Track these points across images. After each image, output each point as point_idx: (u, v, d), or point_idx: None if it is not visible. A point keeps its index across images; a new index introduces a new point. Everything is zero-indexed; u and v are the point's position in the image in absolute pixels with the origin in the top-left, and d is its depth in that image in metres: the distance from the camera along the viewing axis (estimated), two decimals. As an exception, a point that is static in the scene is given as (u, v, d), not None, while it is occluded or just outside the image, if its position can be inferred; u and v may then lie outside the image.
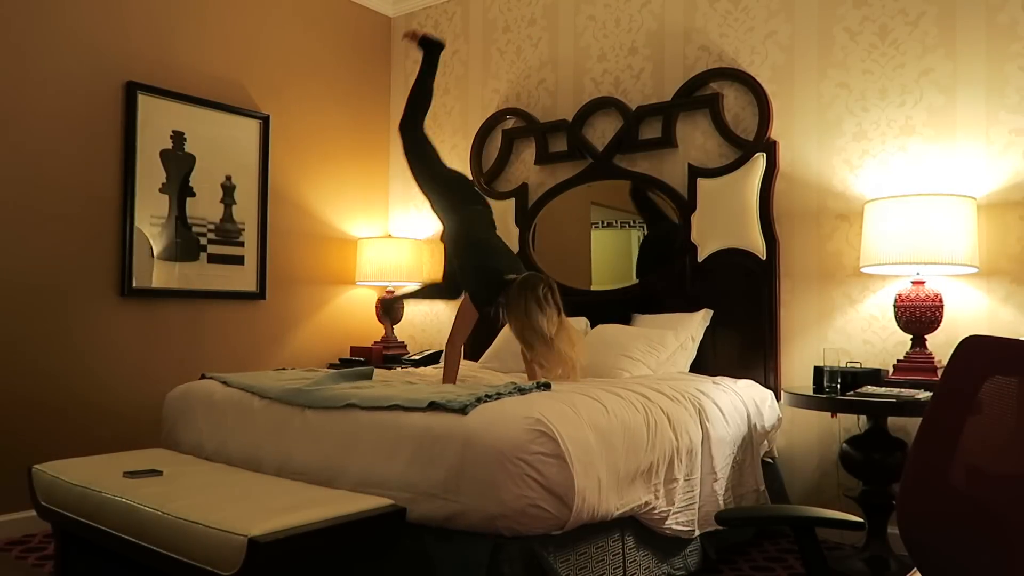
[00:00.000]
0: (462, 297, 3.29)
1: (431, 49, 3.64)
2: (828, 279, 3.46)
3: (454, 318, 3.27)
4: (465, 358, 3.85)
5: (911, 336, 3.05)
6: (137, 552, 2.17)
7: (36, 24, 3.47)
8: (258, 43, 4.37)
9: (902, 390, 2.85)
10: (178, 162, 3.96)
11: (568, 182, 4.21)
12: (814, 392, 3.04)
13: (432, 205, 3.56)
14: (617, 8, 4.14)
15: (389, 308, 4.53)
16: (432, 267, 4.86)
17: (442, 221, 3.50)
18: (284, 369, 3.78)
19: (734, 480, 3.03)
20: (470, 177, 3.92)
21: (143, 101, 3.81)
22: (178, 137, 3.96)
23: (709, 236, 3.69)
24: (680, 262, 3.79)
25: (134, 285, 3.76)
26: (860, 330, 3.36)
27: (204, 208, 4.07)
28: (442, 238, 3.61)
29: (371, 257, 4.63)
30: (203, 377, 3.21)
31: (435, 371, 3.78)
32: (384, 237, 4.89)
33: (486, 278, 3.15)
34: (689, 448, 2.74)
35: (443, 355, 3.21)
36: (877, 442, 2.95)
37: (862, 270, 3.19)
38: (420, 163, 3.54)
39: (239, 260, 4.23)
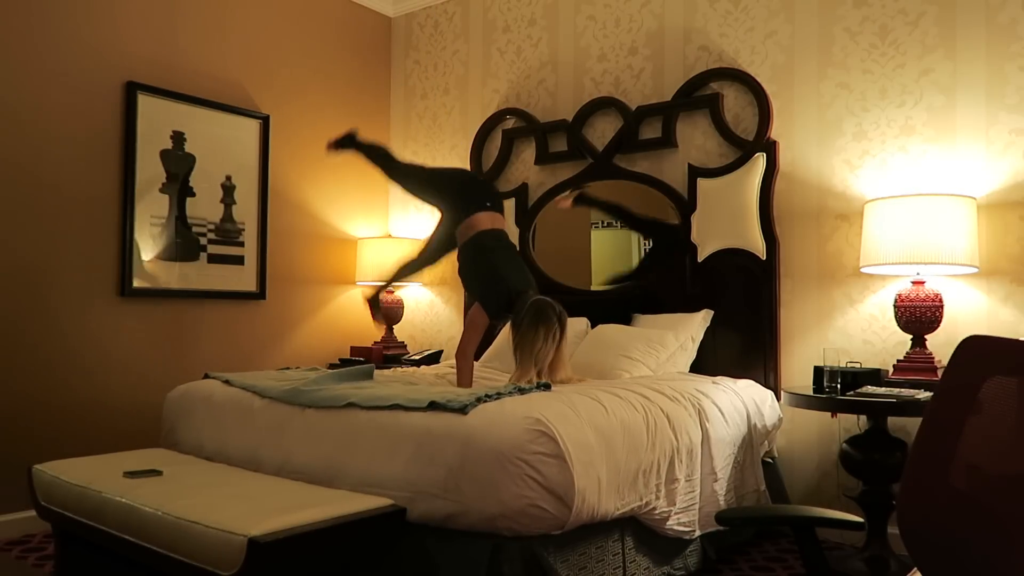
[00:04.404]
0: (472, 308, 3.27)
1: (347, 143, 3.82)
2: (828, 279, 3.46)
3: (464, 328, 3.25)
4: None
5: (911, 336, 3.05)
6: (137, 552, 2.17)
7: (36, 24, 3.47)
8: (258, 43, 4.37)
9: (902, 390, 2.85)
10: (178, 162, 3.96)
11: (568, 182, 4.21)
12: (814, 392, 3.04)
13: (440, 208, 3.60)
14: (617, 8, 4.14)
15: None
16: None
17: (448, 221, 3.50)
18: (288, 368, 3.78)
19: (735, 480, 3.03)
20: (472, 174, 3.84)
21: (143, 101, 3.81)
22: (178, 137, 3.96)
23: (709, 236, 3.69)
24: (680, 262, 3.79)
25: (134, 285, 3.76)
26: (860, 330, 3.36)
27: (204, 208, 4.07)
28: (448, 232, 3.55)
29: (371, 257, 4.63)
30: (206, 377, 3.21)
31: (431, 370, 3.79)
32: (384, 237, 4.89)
33: (497, 290, 3.16)
34: (689, 448, 2.74)
35: (456, 366, 3.20)
36: (877, 442, 2.95)
37: (862, 270, 3.19)
38: (419, 187, 3.65)
39: (239, 260, 4.23)
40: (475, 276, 3.29)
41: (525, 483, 2.14)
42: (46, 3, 3.50)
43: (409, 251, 4.06)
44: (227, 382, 3.05)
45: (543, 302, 3.07)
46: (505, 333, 3.99)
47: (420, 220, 4.95)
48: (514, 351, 3.06)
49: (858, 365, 3.17)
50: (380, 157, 3.78)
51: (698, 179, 3.74)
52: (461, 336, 3.24)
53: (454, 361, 3.99)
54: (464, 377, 3.16)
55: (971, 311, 3.11)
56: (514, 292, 3.13)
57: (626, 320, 3.80)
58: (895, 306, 3.06)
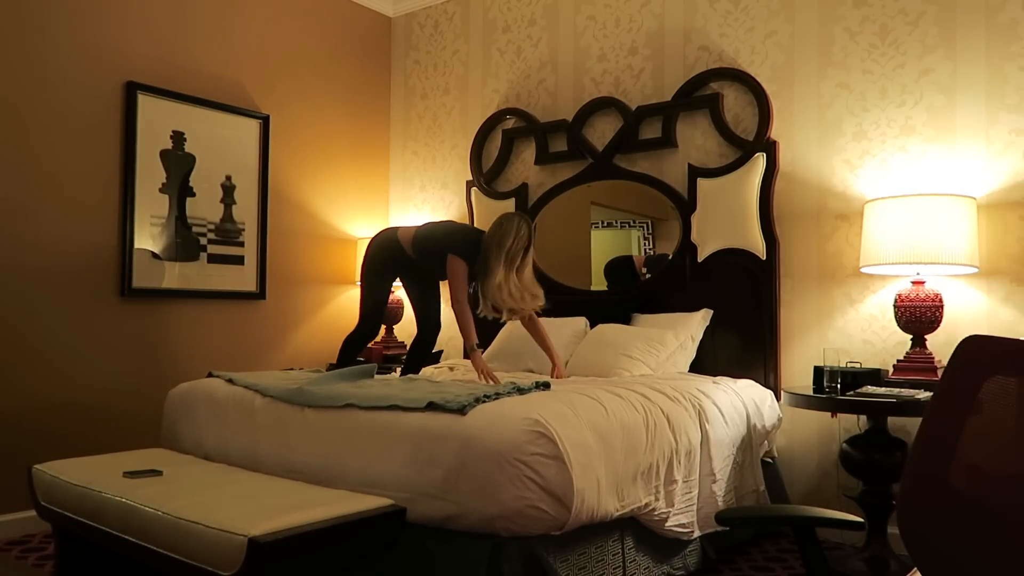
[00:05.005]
0: (448, 263, 3.29)
1: None
2: (828, 279, 3.46)
3: (449, 282, 3.27)
4: (465, 356, 3.84)
5: (911, 336, 3.05)
6: (137, 552, 2.17)
7: (36, 24, 3.47)
8: (258, 43, 4.37)
9: (902, 390, 2.85)
10: (178, 162, 3.96)
11: (568, 182, 4.21)
12: (814, 392, 3.04)
13: (397, 273, 3.63)
14: (617, 8, 4.14)
15: None
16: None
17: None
18: (292, 369, 3.78)
19: (734, 481, 3.03)
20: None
21: (143, 101, 3.81)
22: (178, 137, 3.96)
23: (709, 236, 3.68)
24: (680, 262, 3.79)
25: (134, 285, 3.76)
26: (860, 330, 3.36)
27: (204, 208, 4.07)
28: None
29: (371, 257, 4.63)
30: (210, 375, 3.22)
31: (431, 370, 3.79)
32: (384, 237, 4.89)
33: (461, 239, 3.30)
34: (688, 449, 2.74)
35: (456, 315, 3.23)
36: (877, 442, 2.95)
37: (862, 270, 3.19)
38: (385, 285, 3.60)
39: (239, 260, 4.23)
40: (437, 245, 3.34)
41: (524, 484, 2.14)
42: (46, 3, 3.50)
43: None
44: (230, 380, 3.05)
45: (504, 213, 3.33)
46: (505, 331, 3.99)
47: (420, 220, 4.95)
48: (484, 265, 3.17)
49: (858, 365, 3.17)
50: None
51: (698, 179, 3.74)
52: (449, 288, 3.26)
53: (454, 362, 4.01)
54: (465, 322, 3.19)
55: (971, 311, 3.11)
56: (477, 234, 3.32)
57: (625, 320, 3.80)
58: (895, 306, 3.06)
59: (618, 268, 4.16)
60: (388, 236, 3.53)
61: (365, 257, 3.56)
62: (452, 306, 3.24)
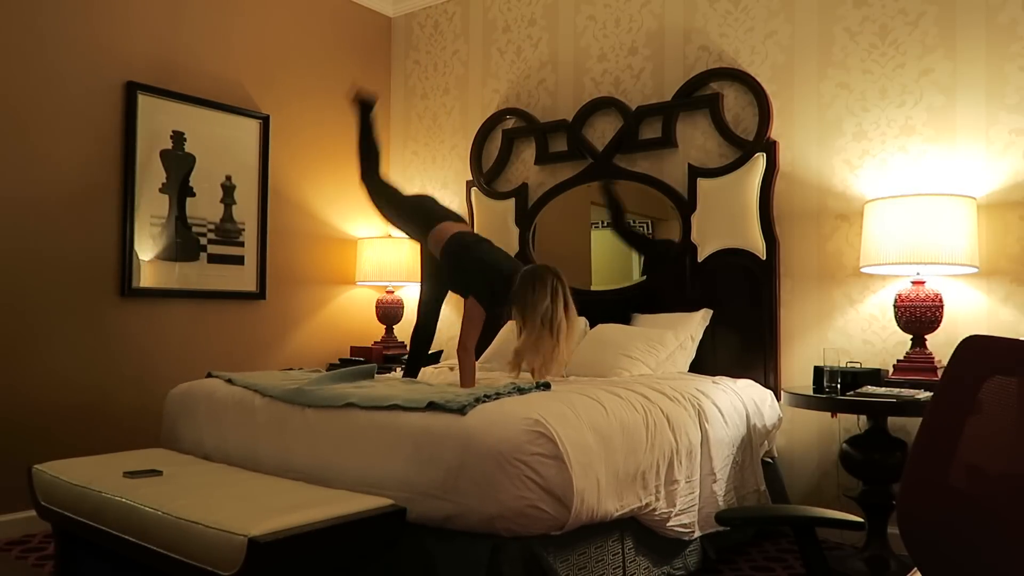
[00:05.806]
0: (466, 302, 3.18)
1: (363, 108, 3.67)
2: (828, 279, 3.46)
3: (462, 323, 3.15)
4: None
5: (911, 336, 3.05)
6: (137, 552, 2.17)
7: (36, 24, 3.47)
8: (258, 43, 4.37)
9: (902, 390, 2.85)
10: (178, 162, 3.96)
11: (568, 182, 4.21)
12: (814, 392, 3.04)
13: (411, 235, 3.60)
14: (617, 8, 4.14)
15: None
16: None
17: (422, 244, 3.49)
18: (291, 369, 3.78)
19: (735, 481, 3.03)
20: (433, 196, 3.74)
21: (143, 101, 3.81)
22: (178, 137, 3.96)
23: (709, 236, 3.69)
24: (680, 262, 3.79)
25: (134, 285, 3.76)
26: (860, 330, 3.36)
27: (204, 208, 4.07)
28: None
29: (371, 257, 4.63)
30: (209, 375, 3.22)
31: (430, 370, 3.79)
32: (384, 237, 4.89)
33: (488, 279, 3.14)
34: (689, 449, 2.74)
35: (458, 361, 3.13)
36: (877, 442, 2.95)
37: (862, 270, 3.19)
38: (388, 205, 3.57)
39: (239, 260, 4.23)
40: (463, 272, 3.22)
41: (524, 484, 2.14)
42: (46, 3, 3.50)
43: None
44: (229, 381, 3.05)
45: (536, 266, 3.15)
46: (504, 331, 3.99)
47: (420, 220, 4.95)
48: (517, 317, 3.02)
49: (858, 365, 3.17)
50: (371, 156, 3.66)
51: (698, 179, 3.74)
52: (461, 331, 3.15)
53: (454, 362, 4.00)
54: (466, 372, 3.09)
55: (971, 311, 3.11)
56: (507, 275, 3.11)
57: (625, 320, 3.80)
58: (895, 306, 3.06)
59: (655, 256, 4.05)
60: (428, 240, 3.38)
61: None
62: (457, 351, 3.12)
